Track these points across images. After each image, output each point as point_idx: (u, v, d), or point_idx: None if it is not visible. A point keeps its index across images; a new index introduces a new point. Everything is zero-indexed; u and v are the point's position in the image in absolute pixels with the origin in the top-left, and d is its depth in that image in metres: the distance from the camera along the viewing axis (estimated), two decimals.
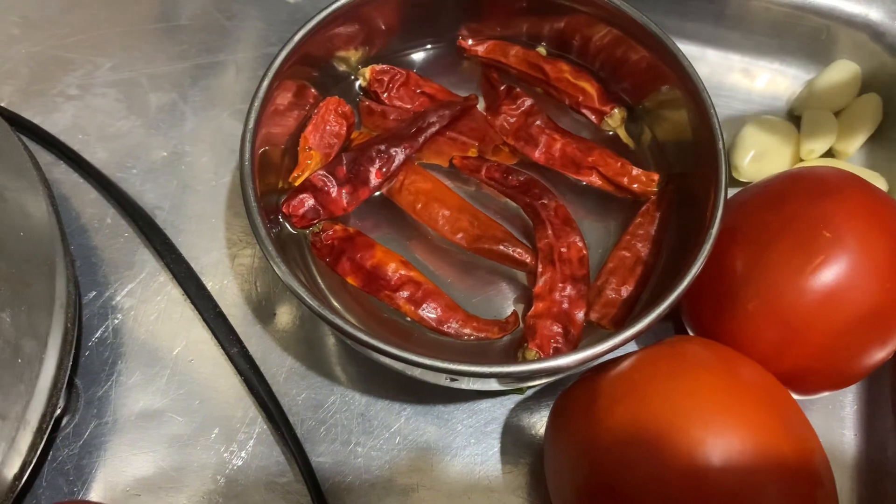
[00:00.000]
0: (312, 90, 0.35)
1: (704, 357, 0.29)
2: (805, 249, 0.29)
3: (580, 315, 0.31)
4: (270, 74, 0.31)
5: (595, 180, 0.35)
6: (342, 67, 0.36)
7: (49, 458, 0.33)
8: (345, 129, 0.35)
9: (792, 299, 0.29)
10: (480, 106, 0.36)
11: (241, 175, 0.30)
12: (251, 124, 0.30)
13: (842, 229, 0.29)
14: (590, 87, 0.36)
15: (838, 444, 0.35)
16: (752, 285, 0.30)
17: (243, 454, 0.34)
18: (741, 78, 0.44)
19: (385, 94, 0.36)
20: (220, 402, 0.35)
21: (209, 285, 0.37)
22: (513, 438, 0.35)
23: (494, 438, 0.35)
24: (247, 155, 0.30)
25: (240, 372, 0.34)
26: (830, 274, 0.29)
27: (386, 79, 0.36)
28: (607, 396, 0.28)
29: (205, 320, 0.35)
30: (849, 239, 0.29)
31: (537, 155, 0.35)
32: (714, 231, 0.29)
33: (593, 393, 0.29)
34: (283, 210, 0.32)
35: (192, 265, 0.37)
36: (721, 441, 0.25)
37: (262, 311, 0.37)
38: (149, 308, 0.36)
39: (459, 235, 0.33)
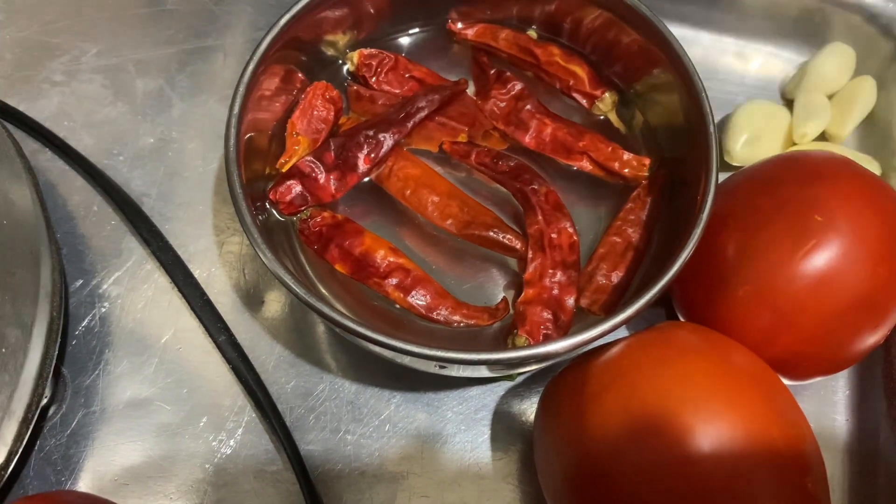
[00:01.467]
0: (300, 75, 0.35)
1: (695, 343, 0.29)
2: (797, 234, 0.29)
3: (570, 301, 0.31)
4: (256, 58, 0.31)
5: (586, 165, 0.34)
6: (330, 52, 0.36)
7: (36, 447, 0.33)
8: (332, 114, 0.34)
9: (783, 284, 0.29)
10: (470, 90, 0.36)
11: (227, 161, 0.29)
12: (236, 109, 0.30)
13: (834, 213, 0.29)
14: (581, 71, 0.35)
15: (830, 430, 0.35)
16: (744, 270, 0.30)
17: (232, 443, 0.34)
18: (734, 61, 0.43)
19: (373, 79, 0.35)
20: (209, 391, 0.35)
21: (197, 273, 0.36)
22: (503, 425, 0.35)
23: (485, 425, 0.35)
24: (232, 140, 0.30)
25: (228, 360, 0.34)
26: (822, 258, 0.29)
27: (374, 63, 0.35)
28: (597, 382, 0.28)
29: (192, 308, 0.35)
30: (841, 223, 0.29)
31: (528, 140, 0.35)
32: (705, 216, 0.29)
33: (583, 379, 0.29)
34: (270, 197, 0.32)
35: (180, 253, 0.37)
36: (711, 427, 0.25)
37: (251, 299, 0.36)
38: (136, 296, 0.36)
39: (449, 222, 0.33)
